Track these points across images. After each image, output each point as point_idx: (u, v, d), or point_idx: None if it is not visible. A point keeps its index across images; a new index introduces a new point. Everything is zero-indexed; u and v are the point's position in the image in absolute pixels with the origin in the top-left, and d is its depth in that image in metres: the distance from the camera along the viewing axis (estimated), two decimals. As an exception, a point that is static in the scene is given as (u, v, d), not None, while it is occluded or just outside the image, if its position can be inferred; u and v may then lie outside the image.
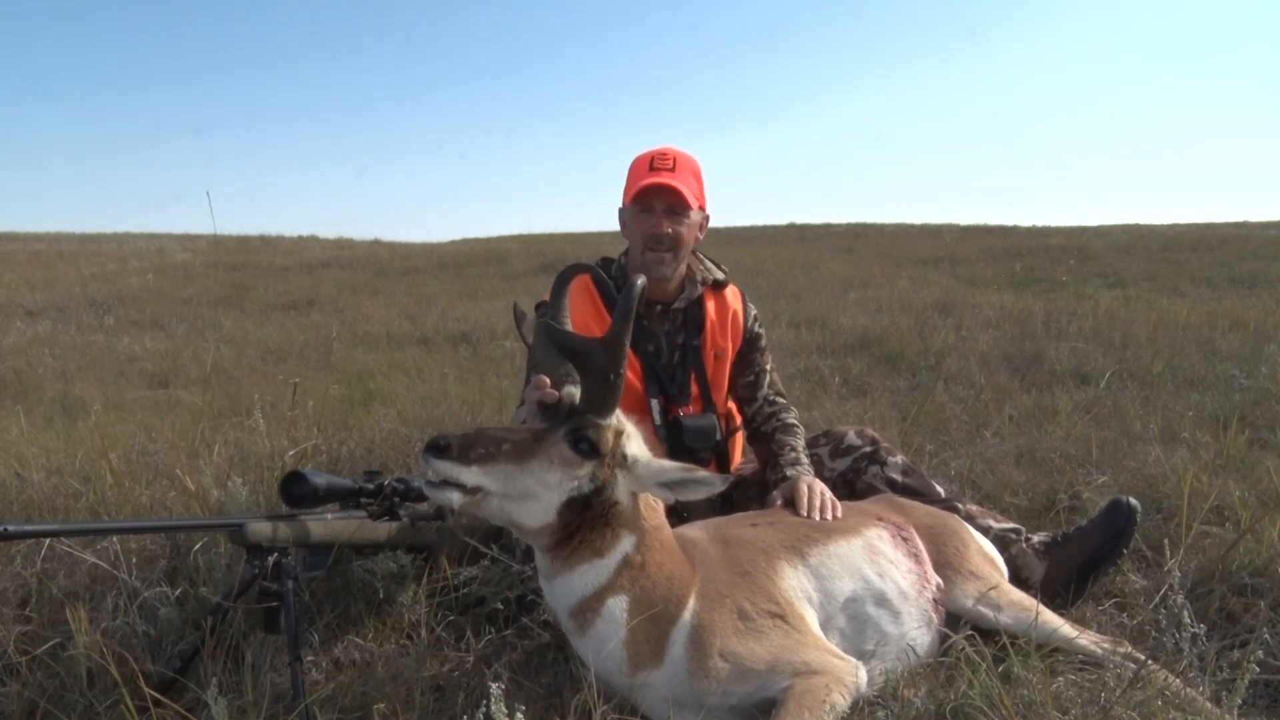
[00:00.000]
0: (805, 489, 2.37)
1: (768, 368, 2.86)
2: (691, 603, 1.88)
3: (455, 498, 1.74)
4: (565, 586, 1.85)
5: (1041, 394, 4.95)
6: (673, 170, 2.59)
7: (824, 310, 8.40)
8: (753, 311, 2.86)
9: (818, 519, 2.27)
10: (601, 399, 1.83)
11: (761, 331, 2.87)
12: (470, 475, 1.73)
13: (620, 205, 2.72)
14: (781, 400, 2.83)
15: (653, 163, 2.62)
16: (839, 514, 2.30)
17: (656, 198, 2.58)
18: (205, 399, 4.97)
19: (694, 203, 2.61)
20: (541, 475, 1.79)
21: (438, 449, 1.72)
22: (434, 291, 11.83)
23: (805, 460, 2.63)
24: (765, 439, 2.75)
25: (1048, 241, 16.49)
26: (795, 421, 2.78)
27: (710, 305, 2.76)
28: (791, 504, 2.35)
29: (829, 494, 2.39)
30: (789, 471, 2.55)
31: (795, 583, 2.01)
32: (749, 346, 2.83)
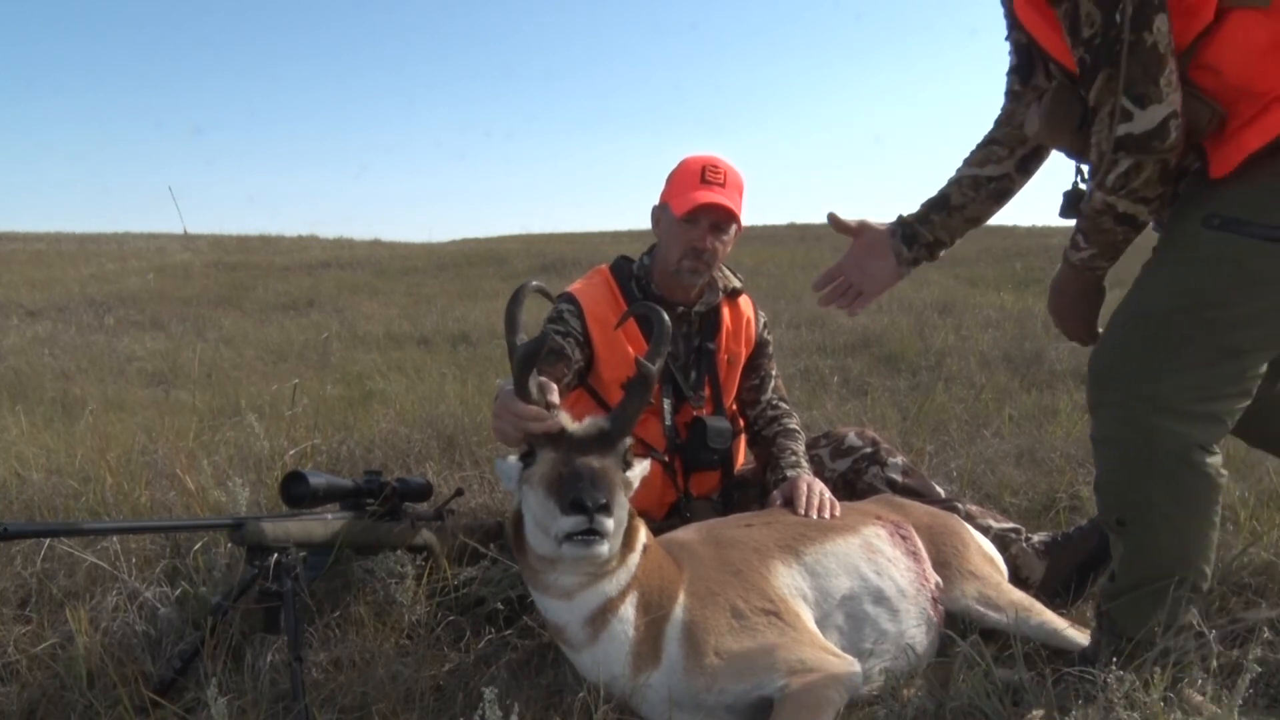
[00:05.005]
0: (804, 488, 2.38)
1: (773, 373, 2.89)
2: (681, 599, 1.90)
3: (606, 549, 1.76)
4: (592, 596, 1.84)
5: (1041, 394, 4.94)
6: (724, 186, 2.58)
7: (824, 310, 8.38)
8: (763, 318, 2.91)
9: (815, 517, 2.27)
10: (634, 420, 1.90)
11: (770, 338, 2.92)
12: (613, 523, 1.75)
13: (659, 203, 2.69)
14: (784, 405, 2.86)
15: (705, 174, 2.58)
16: (838, 512, 2.31)
17: (707, 214, 2.57)
18: (205, 399, 4.97)
19: (739, 220, 2.62)
20: (625, 503, 1.84)
21: (606, 508, 1.71)
22: (434, 291, 11.82)
23: (805, 464, 2.64)
24: (766, 443, 2.76)
25: (1048, 241, 16.46)
26: (797, 427, 2.79)
27: (726, 312, 2.79)
28: (791, 503, 2.36)
29: (828, 493, 2.40)
30: (789, 473, 2.56)
31: (790, 581, 2.01)
32: (758, 352, 2.87)
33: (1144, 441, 1.72)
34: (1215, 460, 1.74)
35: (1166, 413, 1.70)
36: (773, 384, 2.88)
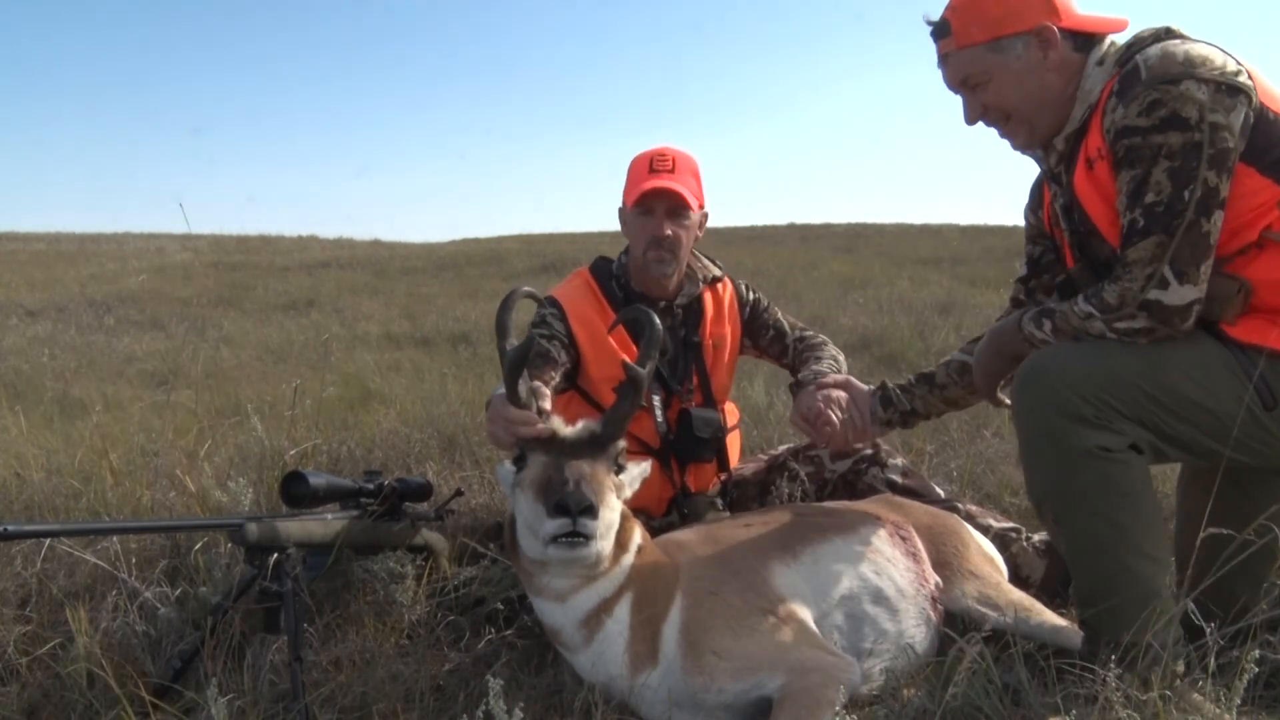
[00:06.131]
0: (819, 407, 2.37)
1: (780, 317, 2.89)
2: (678, 599, 1.90)
3: (592, 551, 1.77)
4: (586, 598, 1.86)
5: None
6: (672, 171, 2.60)
7: (824, 310, 8.40)
8: (742, 285, 2.91)
9: (828, 433, 2.34)
10: (625, 422, 1.91)
11: (758, 295, 2.91)
12: (598, 525, 1.76)
13: (620, 206, 2.73)
14: (809, 332, 2.87)
15: (652, 164, 2.62)
16: (841, 416, 2.35)
17: (658, 200, 2.58)
18: (205, 399, 4.97)
19: (694, 203, 2.62)
20: (616, 505, 1.85)
21: (590, 510, 1.72)
22: (434, 291, 11.83)
23: (827, 363, 2.64)
24: (804, 365, 2.75)
25: (1048, 241, 16.45)
26: (823, 340, 2.81)
27: (708, 299, 2.80)
28: (808, 421, 2.39)
29: (842, 398, 2.38)
30: (808, 373, 2.57)
31: (788, 580, 2.01)
32: (753, 313, 2.87)
33: (1051, 440, 1.79)
34: (1129, 453, 1.79)
35: (1070, 418, 1.76)
36: (786, 324, 2.87)
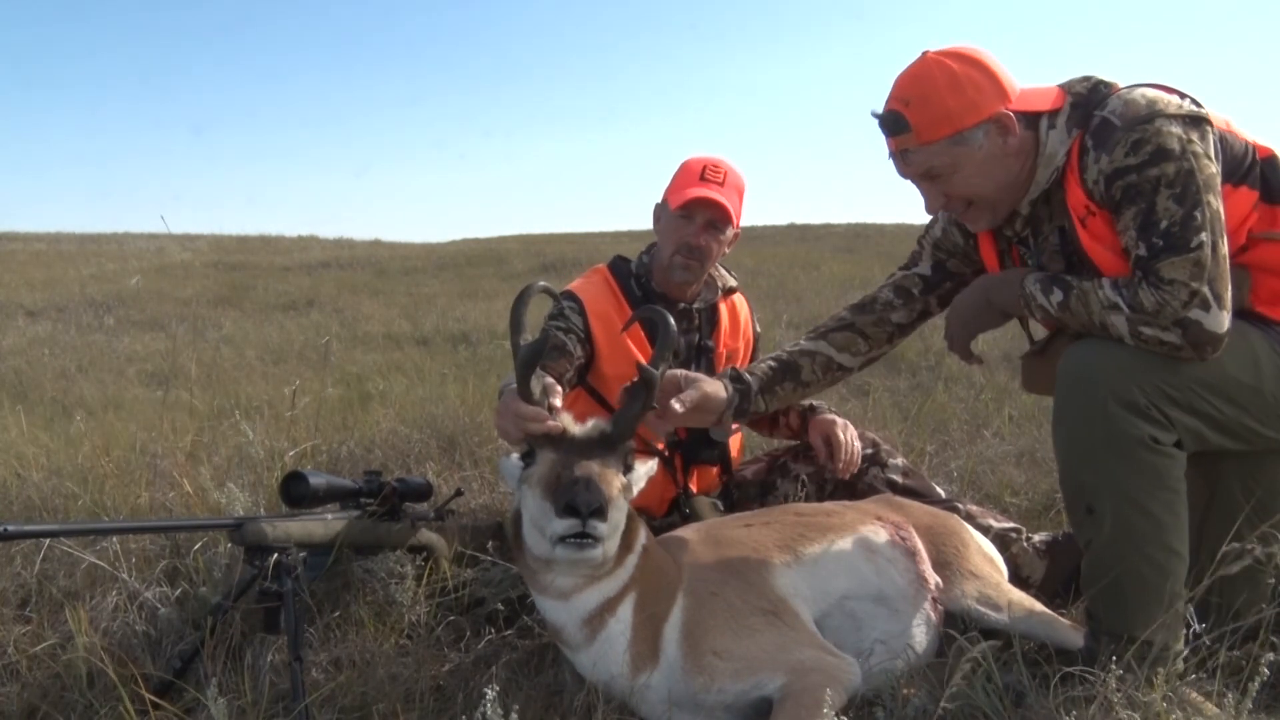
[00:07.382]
0: (843, 438, 2.61)
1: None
2: (680, 599, 1.90)
3: (600, 553, 1.76)
4: (590, 597, 1.85)
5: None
6: (722, 184, 2.63)
7: (824, 310, 8.38)
8: (754, 315, 2.97)
9: (841, 470, 2.58)
10: (637, 423, 1.90)
11: (759, 330, 3.00)
12: (607, 527, 1.75)
13: (659, 201, 2.74)
14: None
15: (705, 172, 2.64)
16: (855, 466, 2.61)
17: (701, 209, 2.60)
18: (205, 399, 4.96)
19: (734, 220, 2.66)
20: (623, 505, 1.84)
21: (600, 512, 1.70)
22: (434, 291, 11.83)
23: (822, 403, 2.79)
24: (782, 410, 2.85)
25: (1048, 241, 16.44)
26: None
27: (724, 309, 2.83)
28: (828, 445, 2.61)
29: (856, 442, 2.63)
30: (819, 412, 2.72)
31: (788, 580, 2.01)
32: (757, 349, 2.96)
33: (1104, 428, 1.80)
34: (1174, 449, 1.82)
35: (1126, 407, 1.79)
36: None
